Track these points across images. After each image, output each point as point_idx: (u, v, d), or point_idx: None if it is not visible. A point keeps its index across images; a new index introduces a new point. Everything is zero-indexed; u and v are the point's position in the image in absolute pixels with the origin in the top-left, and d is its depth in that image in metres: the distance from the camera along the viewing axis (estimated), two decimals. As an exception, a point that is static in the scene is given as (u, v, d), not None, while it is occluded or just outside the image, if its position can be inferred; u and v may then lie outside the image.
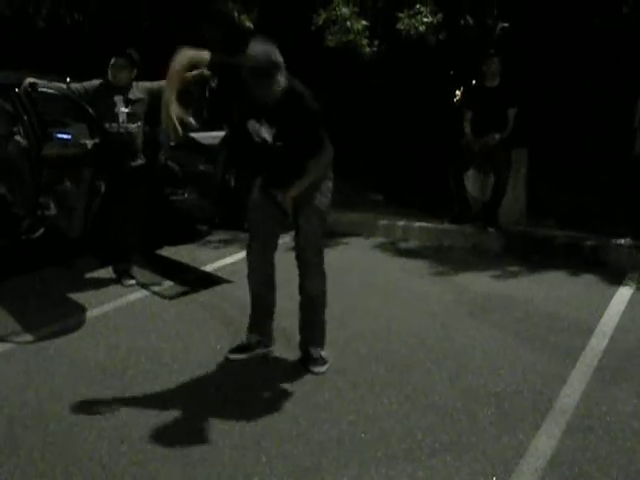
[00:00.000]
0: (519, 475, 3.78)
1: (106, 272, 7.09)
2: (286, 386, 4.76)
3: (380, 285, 7.08)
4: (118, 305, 6.32)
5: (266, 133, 4.72)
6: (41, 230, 6.55)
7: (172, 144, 7.61)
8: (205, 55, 4.67)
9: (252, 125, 4.76)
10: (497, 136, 8.55)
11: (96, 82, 6.77)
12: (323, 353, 5.10)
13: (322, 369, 4.99)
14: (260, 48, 4.41)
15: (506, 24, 8.75)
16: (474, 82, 9.37)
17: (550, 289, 7.05)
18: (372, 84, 10.03)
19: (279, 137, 4.71)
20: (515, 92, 8.68)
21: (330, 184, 4.98)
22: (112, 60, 6.73)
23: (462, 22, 8.86)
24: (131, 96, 6.78)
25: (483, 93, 8.81)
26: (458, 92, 10.07)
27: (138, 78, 6.89)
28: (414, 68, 9.87)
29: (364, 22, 8.91)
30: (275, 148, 4.74)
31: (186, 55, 4.63)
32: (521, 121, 8.65)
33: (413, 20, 8.65)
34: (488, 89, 8.75)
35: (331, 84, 9.84)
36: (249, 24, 8.95)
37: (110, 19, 10.27)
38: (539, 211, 9.11)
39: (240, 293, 6.36)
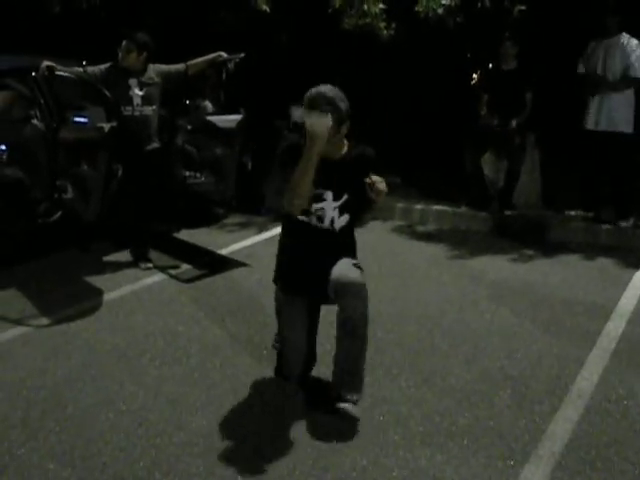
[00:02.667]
0: (536, 459, 3.77)
1: (123, 255, 7.12)
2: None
3: (397, 268, 7.08)
4: (135, 288, 6.34)
5: (332, 211, 4.23)
6: (58, 213, 6.57)
7: (189, 127, 7.64)
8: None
9: (316, 207, 4.21)
10: (514, 121, 8.53)
11: (111, 65, 6.77)
12: (357, 400, 4.17)
13: (355, 412, 4.08)
14: (328, 88, 4.01)
15: (523, 7, 8.68)
16: (491, 65, 9.32)
17: (566, 272, 7.02)
18: (389, 67, 9.98)
19: (348, 204, 4.25)
20: (532, 75, 8.64)
21: None
22: (122, 43, 6.74)
23: (479, 4, 8.78)
24: (145, 79, 6.79)
25: (500, 76, 8.77)
26: (475, 75, 10.01)
27: (155, 61, 6.89)
28: (432, 51, 9.82)
29: (381, 5, 8.83)
30: (338, 231, 4.28)
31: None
32: (537, 104, 8.60)
33: (431, 2, 8.58)
34: (505, 72, 8.71)
35: (348, 67, 9.80)
36: (266, 7, 8.89)
37: (127, 3, 10.26)
38: (555, 195, 9.06)
39: (256, 276, 6.39)
